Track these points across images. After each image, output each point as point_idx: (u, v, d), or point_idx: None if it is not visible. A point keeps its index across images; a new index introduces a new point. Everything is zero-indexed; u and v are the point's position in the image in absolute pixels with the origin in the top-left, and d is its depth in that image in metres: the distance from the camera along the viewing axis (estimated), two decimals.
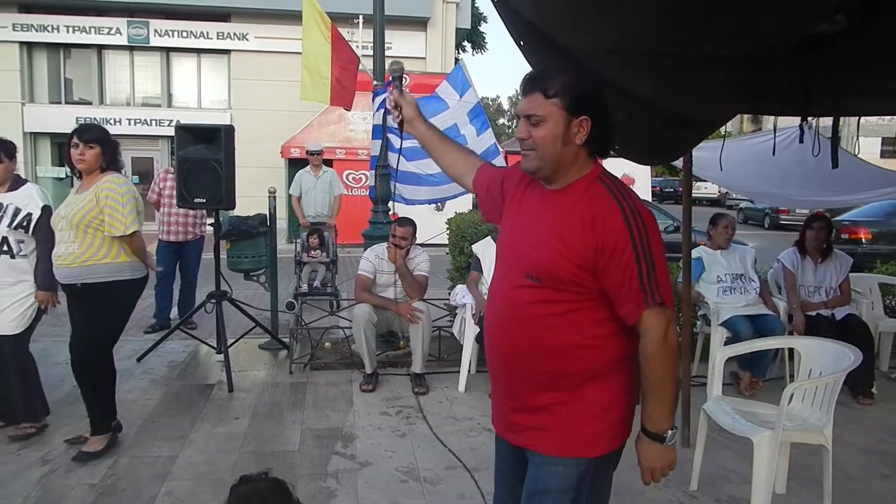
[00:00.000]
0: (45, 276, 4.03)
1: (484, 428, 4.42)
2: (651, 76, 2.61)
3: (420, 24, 20.47)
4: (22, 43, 19.54)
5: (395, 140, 6.18)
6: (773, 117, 3.85)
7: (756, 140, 5.56)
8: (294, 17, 18.35)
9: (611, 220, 1.76)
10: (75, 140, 3.86)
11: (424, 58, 20.65)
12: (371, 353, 5.14)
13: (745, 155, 5.26)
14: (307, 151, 8.46)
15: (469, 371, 5.24)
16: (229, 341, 5.35)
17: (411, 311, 5.06)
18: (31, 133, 19.34)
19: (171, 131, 20.28)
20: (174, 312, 6.97)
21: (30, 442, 4.10)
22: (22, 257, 4.06)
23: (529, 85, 1.86)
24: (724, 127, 3.86)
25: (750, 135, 7.35)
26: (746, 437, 3.29)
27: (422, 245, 5.53)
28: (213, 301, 5.39)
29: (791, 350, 4.93)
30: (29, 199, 4.08)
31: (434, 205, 9.62)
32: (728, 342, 5.05)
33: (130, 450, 4.03)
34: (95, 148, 3.86)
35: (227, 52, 20.18)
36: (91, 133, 3.89)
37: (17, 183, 4.13)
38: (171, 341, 5.94)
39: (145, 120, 20.07)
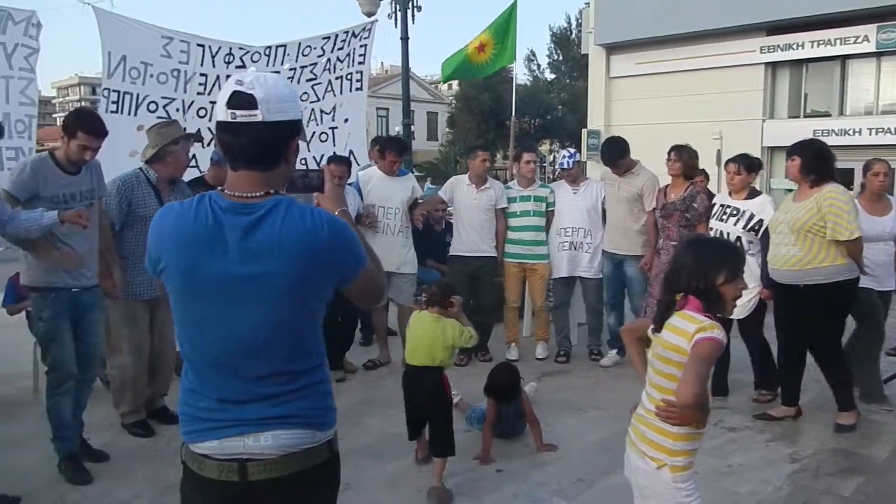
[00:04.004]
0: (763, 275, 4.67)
1: None
2: None
3: None
4: (767, 63, 20.78)
5: None
6: None
7: None
8: None
9: None
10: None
11: None
12: None
13: None
14: None
15: None
16: None
17: None
18: (768, 147, 20.31)
19: None
20: None
21: (778, 436, 4.33)
22: (750, 255, 4.62)
23: None
24: None
25: None
26: None
27: None
28: None
29: None
30: (762, 208, 4.77)
31: None
32: None
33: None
34: (796, 160, 4.33)
35: None
36: (792, 146, 4.46)
37: (752, 193, 4.92)
38: None
39: (889, 129, 18.70)
